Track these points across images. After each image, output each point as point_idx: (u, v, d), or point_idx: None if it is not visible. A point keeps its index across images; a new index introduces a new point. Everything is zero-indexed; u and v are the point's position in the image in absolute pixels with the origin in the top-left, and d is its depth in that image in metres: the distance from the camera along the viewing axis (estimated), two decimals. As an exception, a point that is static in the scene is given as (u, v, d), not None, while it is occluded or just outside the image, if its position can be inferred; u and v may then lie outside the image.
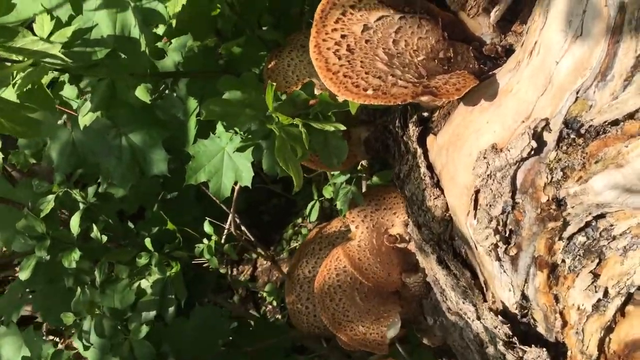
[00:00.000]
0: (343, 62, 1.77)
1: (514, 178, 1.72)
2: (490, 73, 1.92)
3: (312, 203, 3.81)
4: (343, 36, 1.83)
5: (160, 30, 2.64)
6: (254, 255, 5.00)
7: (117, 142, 3.02)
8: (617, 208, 1.59)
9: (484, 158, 1.77)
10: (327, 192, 3.35)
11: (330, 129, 1.93)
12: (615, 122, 1.46)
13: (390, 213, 3.05)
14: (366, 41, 1.83)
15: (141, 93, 2.49)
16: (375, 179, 3.30)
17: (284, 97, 2.39)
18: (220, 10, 2.53)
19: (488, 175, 1.76)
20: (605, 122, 1.47)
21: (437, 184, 2.09)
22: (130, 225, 3.53)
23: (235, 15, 2.41)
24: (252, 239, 3.49)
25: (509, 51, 1.97)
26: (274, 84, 1.89)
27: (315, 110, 2.01)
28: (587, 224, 1.70)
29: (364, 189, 3.31)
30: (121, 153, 3.04)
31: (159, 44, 2.86)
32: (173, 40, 2.94)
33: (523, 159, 1.67)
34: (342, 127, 1.93)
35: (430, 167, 2.10)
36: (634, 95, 1.39)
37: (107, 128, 2.98)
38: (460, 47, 1.97)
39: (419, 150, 2.13)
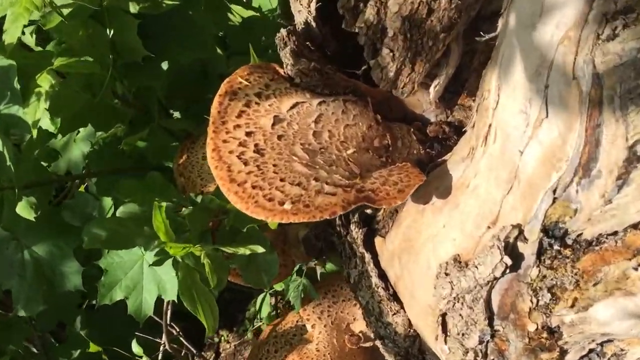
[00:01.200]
0: (251, 168, 1.37)
1: (488, 301, 1.32)
2: (440, 160, 1.55)
3: (261, 296, 3.37)
4: (249, 134, 1.43)
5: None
6: (216, 339, 4.52)
7: (18, 257, 2.55)
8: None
9: (446, 275, 1.37)
10: (278, 284, 2.91)
11: (244, 252, 1.51)
12: (613, 232, 1.07)
13: (351, 305, 2.62)
14: (279, 137, 1.44)
15: (23, 210, 2.05)
16: (329, 265, 2.88)
17: (199, 198, 2.00)
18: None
19: (455, 298, 1.36)
20: (600, 234, 1.08)
21: (394, 297, 1.68)
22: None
23: (129, 108, 2.01)
24: (194, 351, 3.01)
25: (458, 129, 1.61)
26: (163, 205, 1.48)
27: (230, 224, 1.60)
28: (591, 350, 1.30)
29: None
30: (24, 269, 2.56)
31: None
32: (81, 130, 2.52)
33: (496, 278, 1.27)
34: (261, 250, 1.52)
35: (383, 276, 1.70)
36: (635, 200, 1.01)
37: (5, 241, 2.51)
38: (400, 130, 1.60)
39: (367, 256, 1.72)
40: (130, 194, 2.00)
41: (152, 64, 1.86)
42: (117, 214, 1.76)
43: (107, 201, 2.59)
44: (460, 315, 1.37)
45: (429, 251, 1.45)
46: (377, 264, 1.72)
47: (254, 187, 1.35)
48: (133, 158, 2.47)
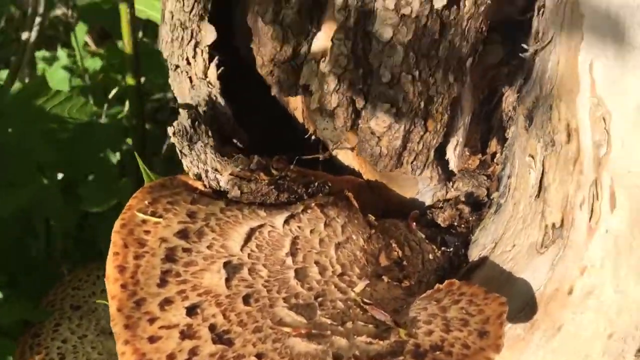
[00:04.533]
0: (221, 376, 0.73)
1: None
2: (477, 259, 1.01)
3: None
4: (191, 310, 0.78)
5: None
6: None
7: None
8: None
9: None
10: None
11: None
12: None
13: None
14: (245, 299, 0.80)
15: None
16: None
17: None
18: None
19: None
20: None
21: None
22: None
23: None
24: None
25: (476, 205, 1.09)
26: None
27: None
28: None
29: None
30: None
31: None
32: None
33: None
34: None
35: None
36: None
37: None
38: (395, 229, 1.04)
39: None
40: None
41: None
42: None
43: None
44: None
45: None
46: None
47: (242, 413, 0.70)
48: None
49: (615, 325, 0.81)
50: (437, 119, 0.90)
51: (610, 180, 0.78)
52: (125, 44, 1.41)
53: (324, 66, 0.89)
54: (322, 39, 0.93)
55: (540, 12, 0.91)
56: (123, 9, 1.35)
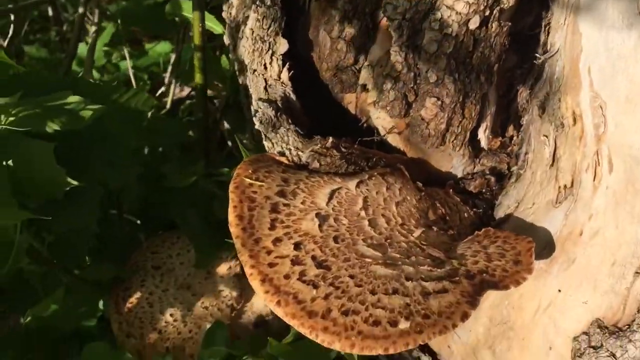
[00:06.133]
0: (326, 290, 0.98)
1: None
2: (503, 216, 1.28)
3: None
4: (297, 245, 1.04)
5: None
6: None
7: None
8: None
9: (595, 349, 1.07)
10: None
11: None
12: None
13: None
14: (335, 239, 1.06)
15: None
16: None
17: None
18: None
19: (617, 373, 1.07)
20: None
21: (476, 401, 1.34)
22: None
23: (42, 265, 1.46)
24: None
25: (499, 177, 1.36)
26: None
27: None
28: None
29: None
30: None
31: None
32: None
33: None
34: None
35: (454, 380, 1.35)
36: None
37: None
38: (437, 194, 1.30)
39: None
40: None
41: (80, 197, 1.36)
42: None
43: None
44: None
45: (545, 327, 1.15)
46: (440, 366, 1.38)
47: (345, 314, 0.95)
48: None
49: (616, 255, 1.06)
50: (471, 109, 1.17)
51: (607, 151, 1.04)
52: (196, 36, 1.67)
53: (383, 70, 1.16)
54: (377, 50, 1.19)
55: (546, 29, 1.18)
56: (196, 17, 1.62)
